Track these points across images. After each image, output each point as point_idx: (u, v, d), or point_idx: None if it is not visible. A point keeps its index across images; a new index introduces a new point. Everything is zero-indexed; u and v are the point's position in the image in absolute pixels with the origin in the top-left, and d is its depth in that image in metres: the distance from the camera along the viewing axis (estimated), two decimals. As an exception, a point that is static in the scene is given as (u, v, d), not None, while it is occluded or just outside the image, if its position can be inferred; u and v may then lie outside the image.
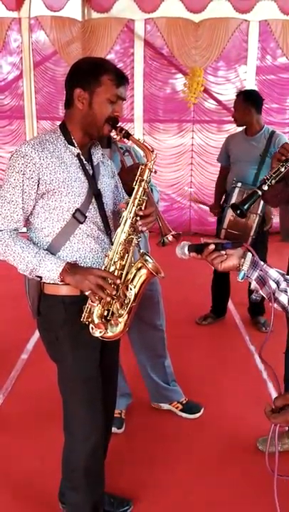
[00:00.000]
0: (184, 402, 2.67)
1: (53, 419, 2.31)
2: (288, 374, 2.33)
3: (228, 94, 6.47)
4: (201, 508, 2.05)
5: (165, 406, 2.69)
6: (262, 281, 1.35)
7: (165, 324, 2.66)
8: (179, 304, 4.13)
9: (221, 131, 6.73)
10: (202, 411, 2.66)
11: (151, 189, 2.26)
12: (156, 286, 2.53)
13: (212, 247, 1.38)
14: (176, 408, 2.66)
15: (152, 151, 1.60)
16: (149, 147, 1.61)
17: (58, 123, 1.68)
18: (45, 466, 2.25)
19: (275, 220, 4.65)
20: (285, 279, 1.37)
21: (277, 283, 1.36)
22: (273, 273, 1.38)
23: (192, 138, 6.78)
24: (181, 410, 2.65)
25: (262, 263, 1.37)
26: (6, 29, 6.23)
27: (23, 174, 1.52)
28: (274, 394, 2.81)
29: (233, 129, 5.64)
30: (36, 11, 6.18)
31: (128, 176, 1.89)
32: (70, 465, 1.80)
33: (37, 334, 3.58)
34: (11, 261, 1.57)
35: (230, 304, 4.06)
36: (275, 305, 1.36)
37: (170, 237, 2.05)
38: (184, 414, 2.64)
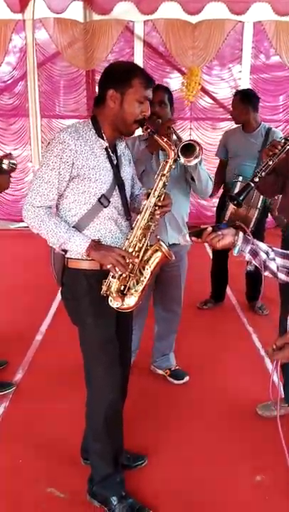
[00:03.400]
0: (173, 369, 3.03)
1: (70, 389, 2.57)
2: None
3: (223, 92, 6.74)
4: (207, 461, 2.31)
5: (159, 371, 3.06)
6: (254, 253, 1.62)
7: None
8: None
9: (216, 128, 6.98)
10: (186, 378, 2.99)
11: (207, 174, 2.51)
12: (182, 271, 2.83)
13: (210, 229, 1.64)
14: (166, 373, 3.03)
15: (174, 151, 1.84)
16: (172, 147, 1.84)
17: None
18: (65, 428, 2.48)
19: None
20: (273, 250, 1.64)
21: (267, 253, 1.63)
22: (263, 246, 1.65)
23: (190, 135, 7.00)
24: (169, 376, 3.01)
25: (253, 239, 1.63)
26: (10, 30, 6.46)
27: (60, 158, 1.73)
28: (270, 367, 3.08)
29: (228, 126, 5.89)
30: (40, 13, 6.37)
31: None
32: (92, 417, 2.02)
33: (49, 319, 3.84)
34: (44, 234, 1.78)
35: (228, 290, 4.32)
36: (266, 273, 1.63)
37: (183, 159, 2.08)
38: (170, 379, 2.99)
